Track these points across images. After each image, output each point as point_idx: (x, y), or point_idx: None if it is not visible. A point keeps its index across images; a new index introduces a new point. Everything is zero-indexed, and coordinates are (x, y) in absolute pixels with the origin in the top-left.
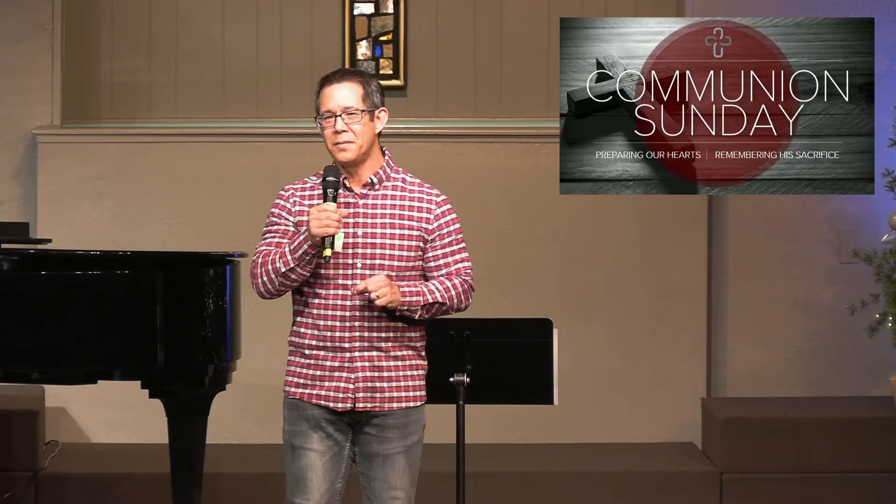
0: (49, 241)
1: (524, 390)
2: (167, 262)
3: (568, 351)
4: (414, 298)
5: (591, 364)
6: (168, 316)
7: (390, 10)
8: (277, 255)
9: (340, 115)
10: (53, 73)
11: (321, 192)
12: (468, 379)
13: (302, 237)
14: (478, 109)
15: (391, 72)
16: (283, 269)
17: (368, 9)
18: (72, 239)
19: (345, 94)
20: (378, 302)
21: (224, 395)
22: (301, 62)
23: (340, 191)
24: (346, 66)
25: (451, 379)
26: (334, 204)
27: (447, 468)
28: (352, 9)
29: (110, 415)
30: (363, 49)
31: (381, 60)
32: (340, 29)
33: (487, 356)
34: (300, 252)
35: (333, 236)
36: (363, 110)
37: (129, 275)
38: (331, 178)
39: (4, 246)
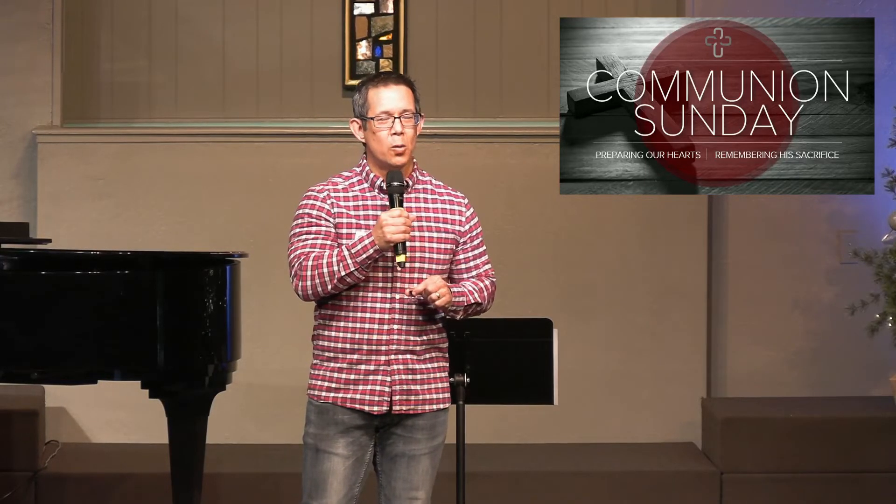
0: (49, 241)
1: (524, 390)
2: (167, 262)
3: (568, 351)
4: (461, 299)
5: (591, 364)
6: (168, 316)
7: (390, 10)
8: (335, 259)
9: (399, 118)
10: (53, 73)
11: (356, 193)
12: (468, 379)
13: (367, 242)
14: (478, 109)
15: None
16: (343, 273)
17: (368, 9)
18: (72, 239)
19: (403, 97)
20: (439, 302)
21: (224, 395)
22: (301, 62)
23: (375, 192)
24: (346, 66)
25: (451, 379)
26: (402, 208)
27: (447, 468)
28: (352, 9)
29: (110, 415)
30: (363, 49)
31: (381, 60)
32: (340, 29)
33: (487, 356)
34: (364, 256)
35: (405, 241)
36: (416, 114)
37: (129, 275)
38: (396, 183)
39: (4, 246)
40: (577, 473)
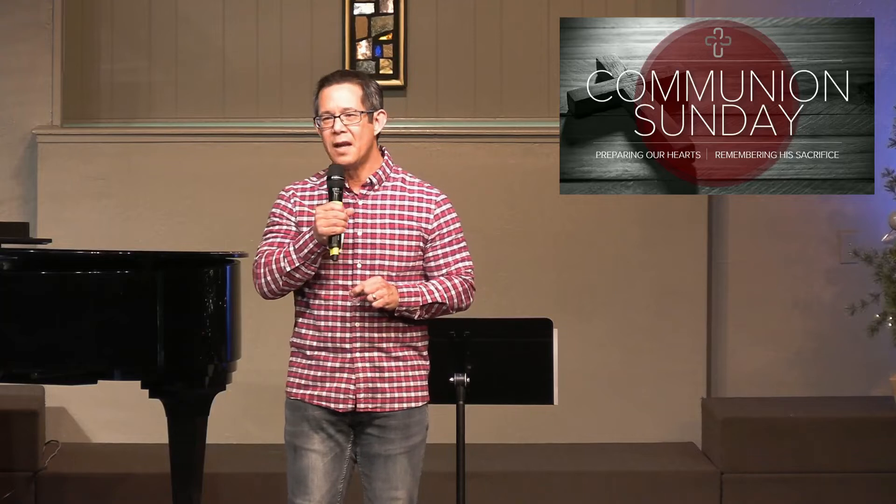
0: (49, 241)
1: (524, 390)
2: (167, 262)
3: (568, 351)
4: (413, 299)
5: (591, 364)
6: (168, 316)
7: (390, 10)
8: (282, 255)
9: (339, 117)
10: (53, 73)
11: (322, 192)
12: (468, 379)
13: (308, 236)
14: (478, 109)
15: (391, 72)
16: (289, 269)
17: (368, 9)
18: (72, 239)
19: (344, 96)
20: (375, 304)
21: (224, 395)
22: (301, 62)
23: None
24: (347, 66)
25: (451, 379)
26: (340, 203)
27: (447, 468)
28: (352, 9)
29: (110, 415)
30: (363, 49)
31: (381, 60)
32: (340, 29)
33: (487, 356)
34: (305, 251)
35: (340, 235)
36: (362, 112)
37: (130, 275)
38: (336, 177)
39: (4, 246)
40: (577, 473)
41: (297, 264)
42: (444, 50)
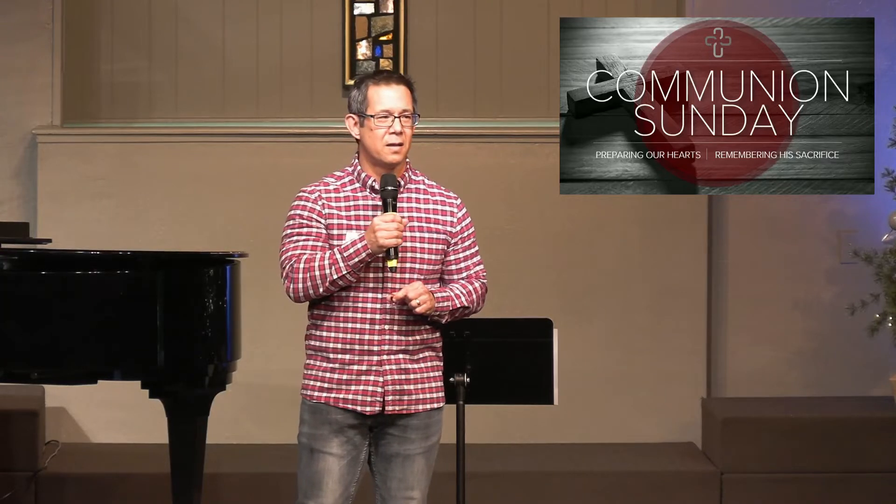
0: (49, 241)
1: (524, 390)
2: (167, 262)
3: (568, 351)
4: (446, 303)
5: (591, 364)
6: (168, 316)
7: (390, 10)
8: (327, 262)
9: (399, 117)
10: (53, 73)
11: (347, 193)
12: (468, 379)
13: (360, 245)
14: (478, 109)
15: None
16: (335, 276)
17: (368, 9)
18: (72, 239)
19: (402, 96)
20: (419, 309)
21: (224, 395)
22: (301, 62)
23: (367, 192)
24: (347, 66)
25: (451, 379)
26: (396, 213)
27: (447, 468)
28: (352, 9)
29: (110, 415)
30: (363, 49)
31: (381, 60)
32: (340, 29)
33: (487, 356)
34: (356, 260)
35: (397, 246)
36: (415, 114)
37: (129, 275)
38: (391, 188)
39: (4, 246)
40: (577, 473)
41: (344, 272)
42: (444, 50)
